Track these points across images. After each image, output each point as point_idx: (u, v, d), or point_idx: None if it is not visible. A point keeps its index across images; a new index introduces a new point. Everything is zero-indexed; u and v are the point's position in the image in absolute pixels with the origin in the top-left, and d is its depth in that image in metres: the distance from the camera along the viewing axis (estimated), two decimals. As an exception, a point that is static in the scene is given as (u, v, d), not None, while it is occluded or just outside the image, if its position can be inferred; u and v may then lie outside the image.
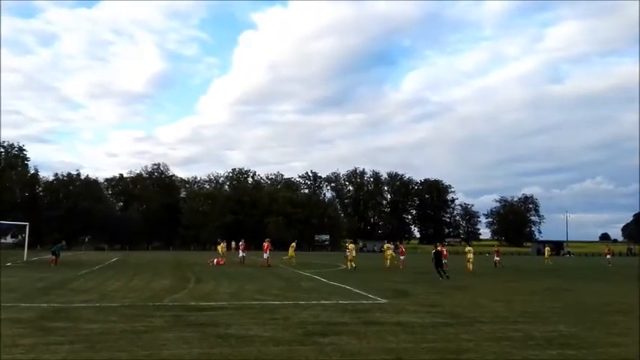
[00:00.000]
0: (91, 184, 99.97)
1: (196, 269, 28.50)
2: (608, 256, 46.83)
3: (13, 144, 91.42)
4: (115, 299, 13.90)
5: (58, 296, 14.47)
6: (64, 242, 34.85)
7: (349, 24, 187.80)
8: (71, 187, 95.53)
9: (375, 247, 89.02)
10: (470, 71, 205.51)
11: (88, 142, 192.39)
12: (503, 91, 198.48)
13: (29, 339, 8.26)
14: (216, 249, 38.61)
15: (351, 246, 32.07)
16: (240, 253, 36.30)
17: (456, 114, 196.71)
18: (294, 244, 37.88)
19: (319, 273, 25.74)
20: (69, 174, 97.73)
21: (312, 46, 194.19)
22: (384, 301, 14.50)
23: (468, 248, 36.43)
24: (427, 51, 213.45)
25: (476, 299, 15.36)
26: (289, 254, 36.44)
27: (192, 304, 13.16)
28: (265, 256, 32.17)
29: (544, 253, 49.75)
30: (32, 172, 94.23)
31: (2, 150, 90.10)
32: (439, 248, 25.31)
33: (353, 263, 29.67)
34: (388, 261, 34.87)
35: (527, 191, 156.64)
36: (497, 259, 38.15)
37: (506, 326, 10.37)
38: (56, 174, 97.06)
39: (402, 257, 35.56)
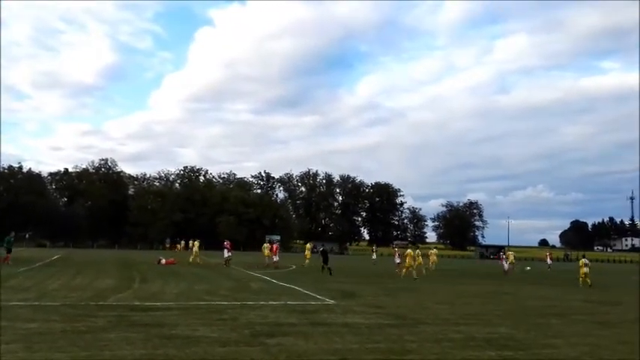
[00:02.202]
0: (33, 177, 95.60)
1: (142, 268, 27.83)
2: (549, 261, 48.91)
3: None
4: (56, 298, 13.42)
5: (-6, 294, 13.81)
6: (13, 233, 31.27)
7: (308, 26, 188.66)
8: (12, 181, 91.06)
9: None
10: (423, 79, 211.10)
11: (32, 134, 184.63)
12: (453, 100, 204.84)
13: (-39, 339, 7.89)
14: (164, 248, 37.89)
15: (307, 246, 37.19)
16: (226, 254, 32.61)
17: (408, 120, 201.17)
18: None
19: (269, 274, 25.68)
20: (10, 167, 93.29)
21: (270, 46, 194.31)
22: (331, 302, 14.68)
23: (432, 251, 40.24)
24: (383, 57, 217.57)
25: (421, 301, 15.78)
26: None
27: (137, 303, 12.87)
28: (227, 255, 32.68)
29: (488, 257, 51.47)
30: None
31: None
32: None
33: (307, 261, 33.58)
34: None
35: (473, 197, 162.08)
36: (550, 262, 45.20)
37: (449, 328, 10.72)
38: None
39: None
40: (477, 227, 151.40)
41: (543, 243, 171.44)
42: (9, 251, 28.25)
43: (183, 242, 49.16)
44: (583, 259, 26.09)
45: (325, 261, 28.00)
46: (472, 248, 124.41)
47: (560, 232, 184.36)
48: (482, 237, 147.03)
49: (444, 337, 9.56)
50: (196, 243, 37.78)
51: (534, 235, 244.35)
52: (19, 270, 22.98)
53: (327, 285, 20.39)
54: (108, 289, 16.28)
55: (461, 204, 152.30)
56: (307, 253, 36.70)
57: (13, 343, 7.69)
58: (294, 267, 32.96)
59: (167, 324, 9.86)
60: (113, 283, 18.19)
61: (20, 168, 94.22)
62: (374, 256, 50.48)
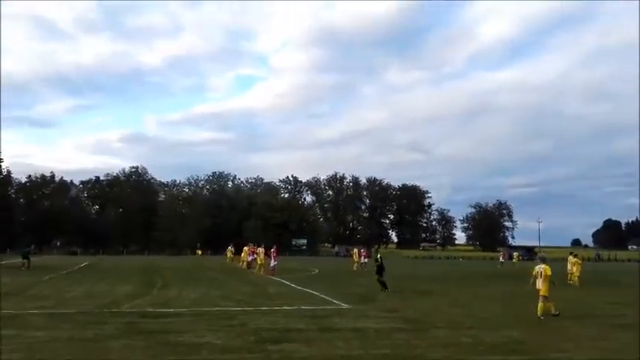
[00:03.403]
0: (65, 186, 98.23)
1: (165, 274, 28.16)
2: (501, 259, 48.09)
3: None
4: (72, 305, 13.64)
5: (14, 303, 14.13)
6: (33, 246, 34.23)
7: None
8: (45, 190, 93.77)
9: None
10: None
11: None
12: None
13: (-31, 348, 8.06)
14: (195, 254, 38.80)
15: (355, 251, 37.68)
16: (273, 262, 28.99)
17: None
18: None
19: (290, 278, 25.65)
20: (42, 176, 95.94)
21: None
22: (346, 306, 14.52)
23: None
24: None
25: (437, 305, 15.47)
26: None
27: (150, 310, 12.96)
28: (273, 263, 28.63)
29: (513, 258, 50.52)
30: (4, 173, 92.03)
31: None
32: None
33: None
34: (355, 265, 36.62)
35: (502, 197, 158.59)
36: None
37: (460, 332, 10.46)
38: (29, 176, 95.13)
39: (364, 260, 36.34)
40: (507, 228, 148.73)
41: (576, 243, 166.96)
42: (27, 259, 30.94)
43: (231, 248, 45.62)
44: (570, 257, 25.01)
45: (380, 271, 20.31)
46: (501, 249, 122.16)
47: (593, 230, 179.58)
48: (513, 237, 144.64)
49: (453, 342, 9.33)
50: (260, 250, 32.34)
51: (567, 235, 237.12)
52: (43, 278, 23.53)
53: (346, 289, 20.26)
54: (126, 295, 16.50)
55: (490, 204, 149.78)
56: (355, 257, 37.91)
57: (16, 352, 7.82)
58: (316, 271, 32.88)
59: (174, 331, 9.89)
60: (133, 290, 18.44)
61: (52, 177, 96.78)
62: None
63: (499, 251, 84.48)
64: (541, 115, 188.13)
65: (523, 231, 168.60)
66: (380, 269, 19.97)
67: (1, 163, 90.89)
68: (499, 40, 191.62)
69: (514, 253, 50.22)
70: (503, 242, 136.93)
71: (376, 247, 43.53)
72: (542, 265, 13.27)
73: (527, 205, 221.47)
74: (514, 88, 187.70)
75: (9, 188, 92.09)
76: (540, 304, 12.75)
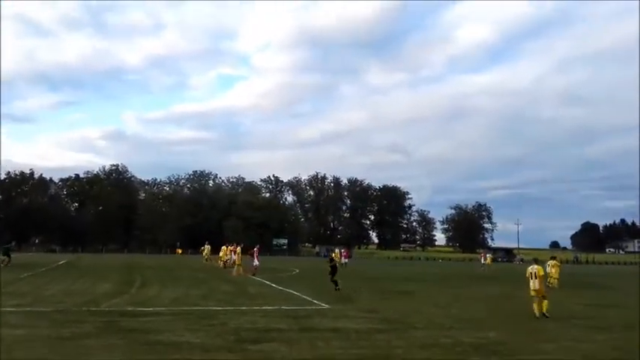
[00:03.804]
0: (44, 183, 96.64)
1: (145, 272, 27.90)
2: (482, 261, 48.83)
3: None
4: (50, 303, 13.46)
5: (-11, 300, 13.89)
6: (13, 243, 33.74)
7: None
8: (24, 187, 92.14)
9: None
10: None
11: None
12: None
13: (-57, 346, 7.92)
14: (174, 252, 38.31)
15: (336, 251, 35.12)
16: (256, 262, 28.62)
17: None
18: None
19: (271, 278, 25.61)
20: (22, 172, 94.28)
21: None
22: (327, 306, 14.57)
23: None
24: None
25: (417, 305, 15.62)
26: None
27: (129, 309, 12.85)
28: (255, 263, 28.17)
29: (496, 260, 51.03)
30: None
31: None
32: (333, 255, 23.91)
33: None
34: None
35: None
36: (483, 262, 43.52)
37: (440, 332, 10.58)
38: (8, 172, 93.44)
39: (345, 260, 36.96)
40: (487, 229, 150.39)
41: (554, 245, 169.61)
42: (8, 256, 30.98)
43: (207, 246, 43.91)
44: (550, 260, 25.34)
45: (333, 272, 20.71)
46: (481, 251, 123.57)
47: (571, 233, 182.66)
48: (492, 239, 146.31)
49: (433, 343, 9.43)
50: (238, 249, 30.54)
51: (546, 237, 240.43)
52: (21, 276, 23.13)
53: (327, 289, 20.25)
54: (105, 293, 16.32)
55: (469, 206, 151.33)
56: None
57: (-8, 350, 7.70)
58: (297, 271, 32.89)
59: (153, 330, 9.83)
60: (111, 288, 18.25)
61: (32, 174, 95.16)
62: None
63: (479, 252, 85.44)
64: (518, 119, 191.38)
65: (502, 233, 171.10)
66: (333, 269, 20.39)
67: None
68: (477, 45, 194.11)
69: (487, 255, 50.55)
70: (483, 244, 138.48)
71: (332, 248, 42.48)
72: (536, 266, 13.82)
73: (505, 207, 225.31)
74: (491, 91, 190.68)
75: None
76: (545, 302, 13.35)
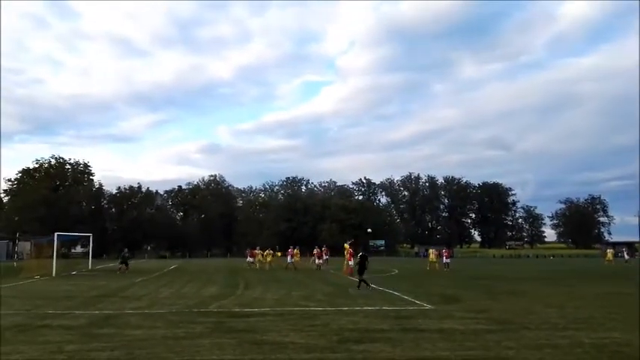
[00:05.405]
0: (151, 195, 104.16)
1: (247, 275, 28.94)
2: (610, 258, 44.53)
3: (79, 161, 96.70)
4: (164, 306, 14.33)
5: (111, 303, 15.09)
6: (126, 250, 36.70)
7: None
8: (133, 200, 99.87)
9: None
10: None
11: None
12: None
13: (74, 345, 8.66)
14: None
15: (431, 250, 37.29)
16: (317, 260, 34.80)
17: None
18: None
19: (369, 279, 25.42)
20: (130, 187, 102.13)
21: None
22: (429, 307, 14.17)
23: None
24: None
25: (529, 305, 14.69)
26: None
27: (236, 310, 13.36)
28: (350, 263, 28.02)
29: (615, 255, 47.31)
30: (97, 186, 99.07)
31: (69, 167, 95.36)
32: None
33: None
34: (429, 265, 36.28)
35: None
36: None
37: (554, 333, 9.88)
38: (119, 187, 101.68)
39: (447, 260, 36.50)
40: (602, 224, 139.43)
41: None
42: (126, 264, 33.06)
43: (296, 249, 40.55)
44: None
45: (361, 270, 19.89)
46: (598, 246, 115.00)
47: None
48: (609, 233, 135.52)
49: (547, 343, 8.81)
50: (297, 251, 36.28)
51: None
52: (136, 280, 24.96)
53: (429, 289, 19.81)
54: (212, 296, 17.12)
55: (581, 200, 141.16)
56: (432, 257, 37.13)
57: (117, 349, 8.29)
58: (396, 271, 32.51)
59: (259, 330, 10.10)
60: (218, 290, 19.11)
61: (139, 187, 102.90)
62: None
63: (596, 248, 79.19)
64: (629, 102, 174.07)
65: (620, 226, 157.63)
66: (361, 267, 19.79)
67: (93, 177, 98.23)
68: (580, 23, 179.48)
69: (608, 250, 46.78)
70: (600, 239, 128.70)
71: (362, 246, 40.13)
72: None
73: (622, 199, 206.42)
74: (598, 74, 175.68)
75: (101, 200, 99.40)
76: None
